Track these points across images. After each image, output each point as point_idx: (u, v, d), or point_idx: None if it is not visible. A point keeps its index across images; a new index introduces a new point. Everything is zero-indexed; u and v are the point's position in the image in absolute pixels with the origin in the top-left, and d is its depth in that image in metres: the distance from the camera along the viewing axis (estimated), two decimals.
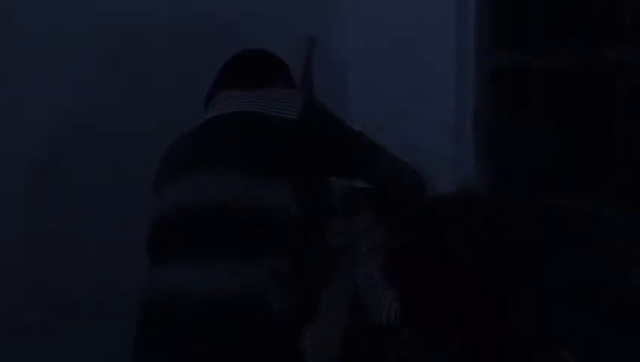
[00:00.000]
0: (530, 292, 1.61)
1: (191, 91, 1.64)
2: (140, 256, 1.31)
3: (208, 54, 1.69)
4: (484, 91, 2.03)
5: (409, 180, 1.54)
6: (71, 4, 1.65)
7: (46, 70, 1.60)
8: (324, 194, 1.43)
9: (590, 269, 1.58)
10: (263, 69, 1.58)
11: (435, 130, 2.04)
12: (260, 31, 2.03)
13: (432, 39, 2.04)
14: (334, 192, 1.49)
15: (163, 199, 1.34)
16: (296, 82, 1.71)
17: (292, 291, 1.21)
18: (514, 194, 1.93)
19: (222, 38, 1.96)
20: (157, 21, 1.83)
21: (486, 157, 2.05)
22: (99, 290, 1.72)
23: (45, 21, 1.59)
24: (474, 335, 1.46)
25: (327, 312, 1.27)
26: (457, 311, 1.49)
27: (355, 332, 1.38)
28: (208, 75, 1.61)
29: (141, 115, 1.77)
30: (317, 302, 1.28)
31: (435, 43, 2.05)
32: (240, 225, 1.24)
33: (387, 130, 1.61)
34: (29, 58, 1.57)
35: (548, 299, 1.60)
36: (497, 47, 2.00)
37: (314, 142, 1.36)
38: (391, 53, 2.16)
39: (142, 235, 1.33)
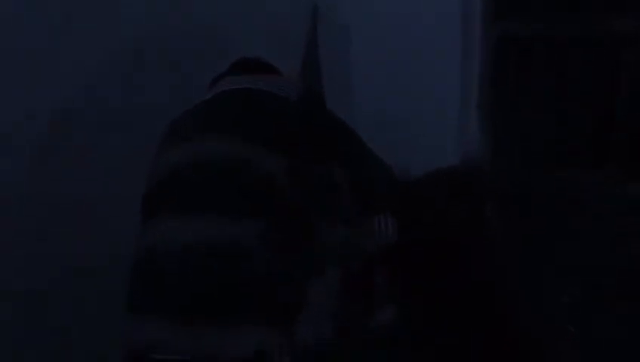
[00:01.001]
0: (532, 266, 1.63)
1: (191, 89, 1.66)
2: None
3: (208, 52, 1.69)
4: (489, 63, 2.02)
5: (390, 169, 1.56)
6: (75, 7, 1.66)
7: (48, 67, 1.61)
8: (325, 179, 1.45)
9: (593, 242, 1.59)
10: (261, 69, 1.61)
11: (440, 103, 2.03)
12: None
13: (434, 13, 2.02)
14: (341, 179, 1.49)
15: (160, 162, 1.39)
16: None
17: (284, 260, 1.23)
18: (516, 167, 1.93)
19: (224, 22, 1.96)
20: (158, 20, 1.83)
21: (490, 130, 2.04)
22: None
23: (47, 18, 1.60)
24: (474, 313, 1.48)
25: (316, 301, 1.28)
26: (458, 287, 1.51)
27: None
28: (209, 71, 1.63)
29: (139, 113, 1.79)
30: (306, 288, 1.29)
31: (439, 15, 2.03)
32: (233, 188, 1.27)
33: (392, 109, 1.60)
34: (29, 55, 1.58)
35: (550, 272, 1.61)
36: (503, 18, 1.98)
37: (312, 128, 1.38)
38: (395, 24, 2.14)
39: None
